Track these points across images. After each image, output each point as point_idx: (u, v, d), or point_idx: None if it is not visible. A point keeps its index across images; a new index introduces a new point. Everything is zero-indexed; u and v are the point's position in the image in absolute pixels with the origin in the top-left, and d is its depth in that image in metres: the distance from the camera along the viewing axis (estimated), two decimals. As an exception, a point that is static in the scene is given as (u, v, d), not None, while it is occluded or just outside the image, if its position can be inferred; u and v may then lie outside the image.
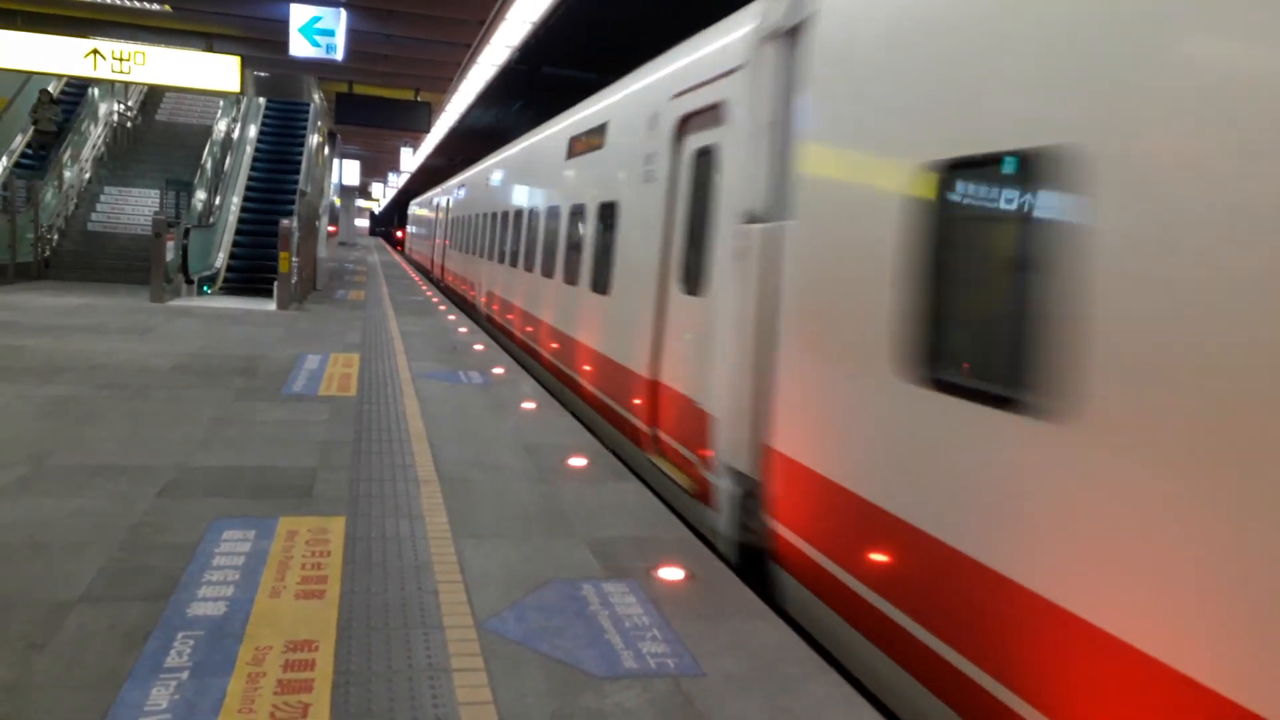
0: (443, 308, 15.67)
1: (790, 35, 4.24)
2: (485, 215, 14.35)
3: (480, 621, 3.21)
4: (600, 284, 7.14)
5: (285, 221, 13.19)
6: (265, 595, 3.29)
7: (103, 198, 17.21)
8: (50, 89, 17.64)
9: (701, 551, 4.12)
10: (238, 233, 16.24)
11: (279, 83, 20.64)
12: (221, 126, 18.98)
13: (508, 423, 6.51)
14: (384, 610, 3.25)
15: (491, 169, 14.73)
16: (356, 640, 3.00)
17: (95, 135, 18.15)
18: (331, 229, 32.51)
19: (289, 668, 2.78)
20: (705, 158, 5.21)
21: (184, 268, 13.94)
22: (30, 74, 16.10)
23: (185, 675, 2.69)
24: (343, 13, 13.23)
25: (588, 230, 7.74)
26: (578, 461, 5.52)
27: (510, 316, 11.60)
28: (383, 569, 3.63)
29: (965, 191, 2.97)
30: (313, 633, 3.02)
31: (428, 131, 23.43)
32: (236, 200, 16.93)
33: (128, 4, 14.66)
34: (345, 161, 37.71)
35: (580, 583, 3.63)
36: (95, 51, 13.48)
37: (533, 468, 5.32)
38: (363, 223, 62.44)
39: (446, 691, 2.71)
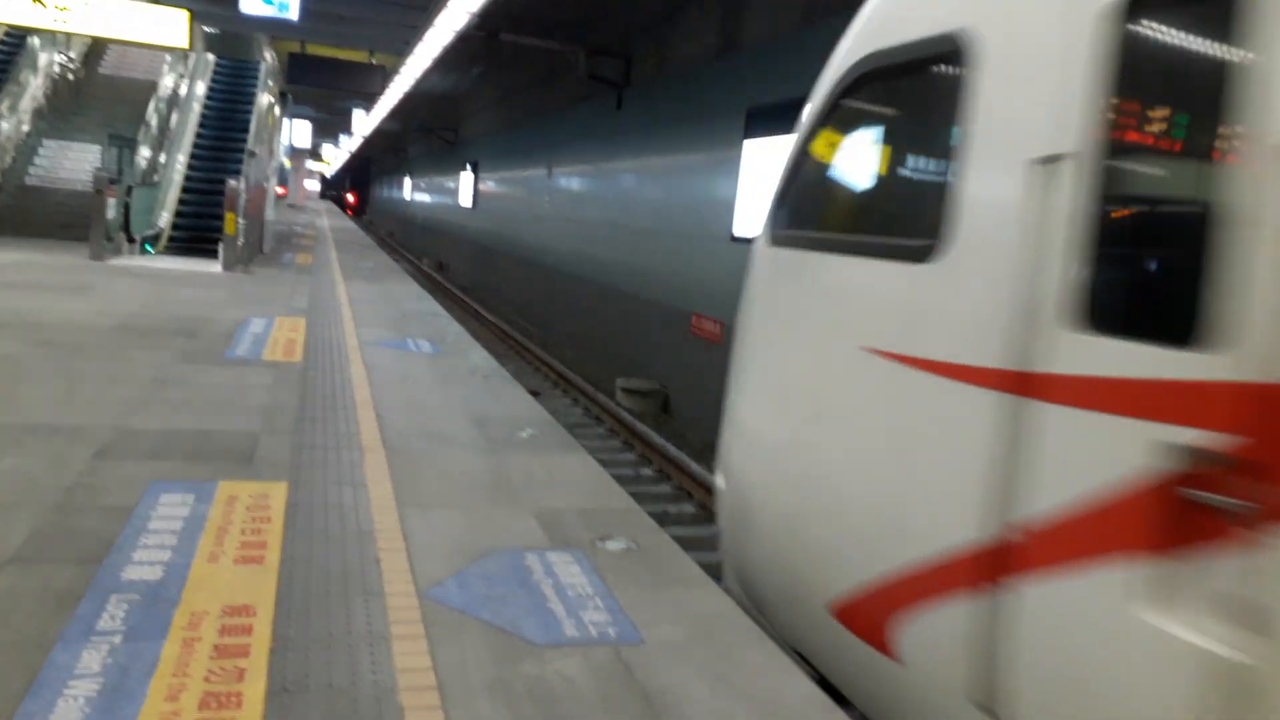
0: (395, 274, 15.48)
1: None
2: None
3: (422, 590, 3.20)
4: None
5: (232, 182, 12.90)
6: (203, 560, 3.25)
7: (41, 151, 16.65)
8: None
9: (647, 523, 4.15)
10: (184, 192, 15.84)
11: (229, 40, 20.10)
12: (168, 82, 18.44)
13: (456, 392, 6.48)
14: (324, 577, 3.23)
15: None
16: (295, 606, 2.98)
17: (34, 86, 17.52)
18: (281, 191, 31.88)
19: (225, 632, 2.75)
20: None
21: (126, 226, 13.57)
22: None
23: (118, 639, 2.65)
24: (296, -31, 12.91)
25: None
26: (527, 433, 5.51)
27: None
28: (324, 536, 3.60)
29: None
30: (251, 598, 3.00)
31: (381, 94, 23.02)
32: (183, 159, 16.49)
33: (70, -50, 14.10)
34: (296, 122, 36.96)
35: (525, 552, 3.64)
36: (35, -2, 12.99)
37: (480, 438, 5.30)
38: (314, 185, 61.31)
39: (385, 658, 2.71)
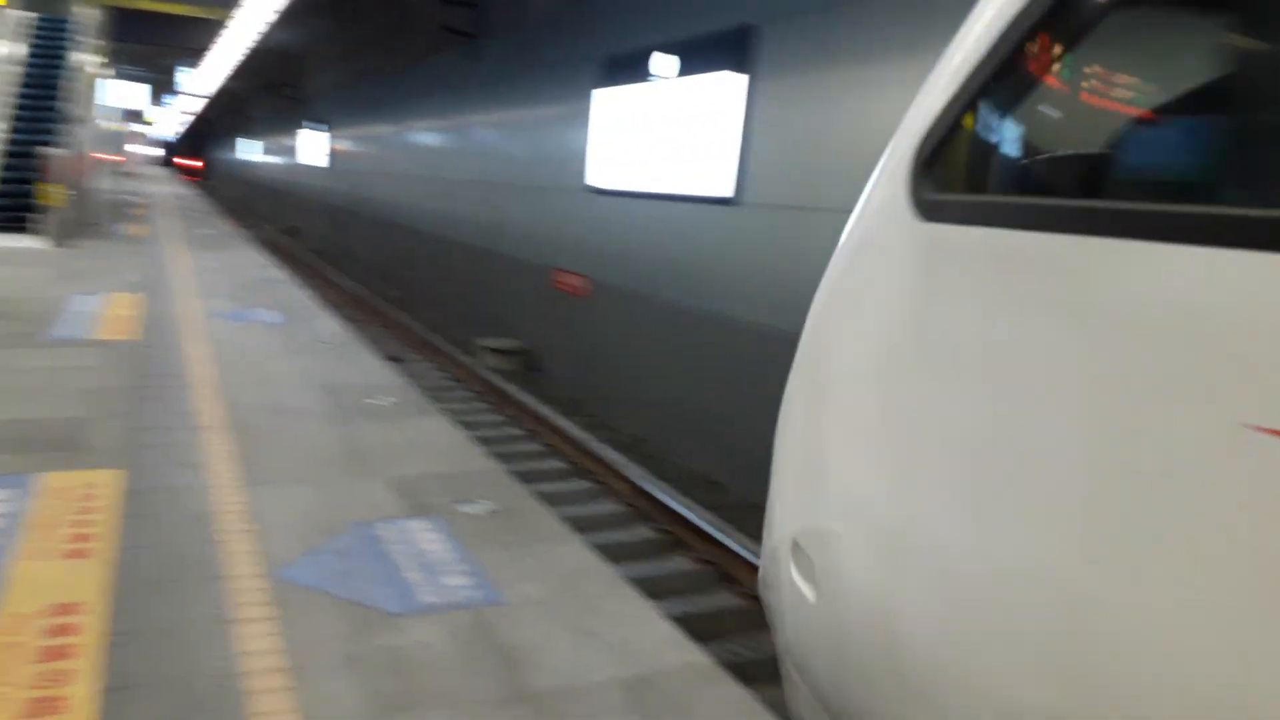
0: (240, 242, 14.74)
1: None
2: None
3: (272, 570, 3.08)
4: None
5: (53, 150, 11.95)
6: (24, 560, 3.02)
7: None
8: None
9: (509, 484, 4.11)
10: (8, 159, 14.53)
11: (40, -6, 18.44)
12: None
13: (306, 363, 6.23)
14: (165, 565, 3.06)
15: None
16: (132, 598, 2.81)
17: None
18: (120, 158, 29.79)
19: (52, 633, 2.57)
20: None
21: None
22: None
23: (-73, 651, 2.45)
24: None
25: None
26: (380, 400, 5.36)
27: None
28: (165, 522, 3.41)
29: None
30: (80, 595, 2.81)
31: (209, 49, 21.71)
32: (2, 126, 15.12)
33: None
34: (130, 84, 34.51)
35: (381, 523, 3.55)
36: None
37: (332, 408, 5.12)
38: (152, 151, 57.54)
39: (230, 643, 2.59)
